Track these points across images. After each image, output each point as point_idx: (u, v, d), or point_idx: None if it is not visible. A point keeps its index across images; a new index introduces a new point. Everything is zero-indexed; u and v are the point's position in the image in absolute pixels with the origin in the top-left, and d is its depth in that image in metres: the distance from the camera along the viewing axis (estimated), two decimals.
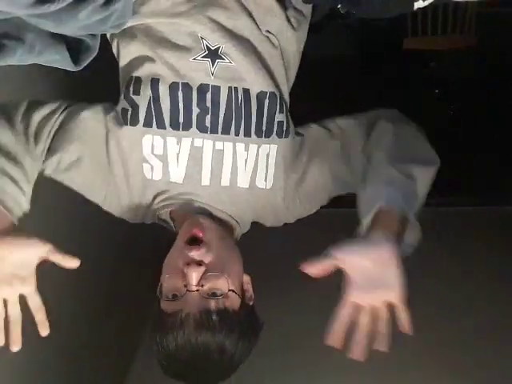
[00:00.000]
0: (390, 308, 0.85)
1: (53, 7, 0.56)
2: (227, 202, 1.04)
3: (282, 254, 2.48)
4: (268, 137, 1.01)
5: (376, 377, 1.90)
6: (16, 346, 0.88)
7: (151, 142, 0.99)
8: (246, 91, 0.99)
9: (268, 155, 1.03)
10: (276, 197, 1.06)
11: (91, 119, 0.98)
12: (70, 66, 0.70)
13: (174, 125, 0.98)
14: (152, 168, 1.00)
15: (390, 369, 1.93)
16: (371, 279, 0.85)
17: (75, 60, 0.70)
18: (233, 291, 0.94)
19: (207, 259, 0.93)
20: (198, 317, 0.90)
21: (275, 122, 1.02)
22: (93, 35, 0.70)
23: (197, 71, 0.97)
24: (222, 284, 0.93)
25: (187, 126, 0.98)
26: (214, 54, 0.97)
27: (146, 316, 2.36)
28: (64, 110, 0.99)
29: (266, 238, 2.59)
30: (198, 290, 0.91)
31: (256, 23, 1.00)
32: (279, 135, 1.02)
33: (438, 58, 3.30)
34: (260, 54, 1.01)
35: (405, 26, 2.79)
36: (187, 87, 0.97)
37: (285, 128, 1.03)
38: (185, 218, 1.02)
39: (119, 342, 1.94)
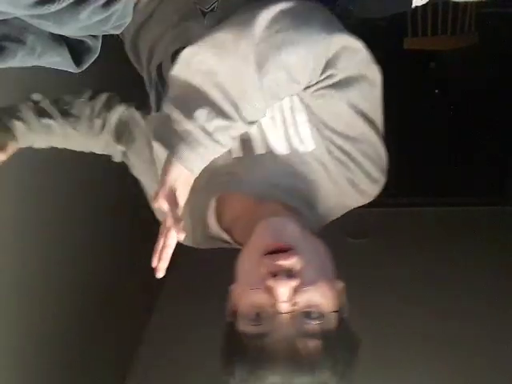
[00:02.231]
0: None
1: (53, 8, 0.56)
2: (281, 174, 0.83)
3: None
4: None
5: (376, 377, 1.90)
6: None
7: None
8: None
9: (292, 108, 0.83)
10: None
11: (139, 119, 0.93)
12: (71, 68, 0.70)
13: None
14: None
15: (390, 369, 1.94)
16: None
17: (77, 61, 0.70)
18: (337, 312, 0.73)
19: (298, 268, 0.70)
20: (293, 345, 0.67)
21: None
22: (94, 36, 0.70)
23: (192, 29, 0.86)
24: (319, 301, 0.71)
25: None
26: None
27: (147, 316, 2.37)
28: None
29: None
30: (292, 312, 0.69)
31: None
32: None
33: (438, 58, 3.30)
34: None
35: (405, 26, 2.79)
36: None
37: None
38: (239, 216, 0.81)
39: (119, 342, 1.94)
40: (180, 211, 0.77)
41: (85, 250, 1.65)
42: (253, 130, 0.83)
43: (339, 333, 0.72)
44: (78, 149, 0.98)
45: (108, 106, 0.95)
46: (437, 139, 2.98)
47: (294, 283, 0.68)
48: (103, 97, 0.95)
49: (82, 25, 0.63)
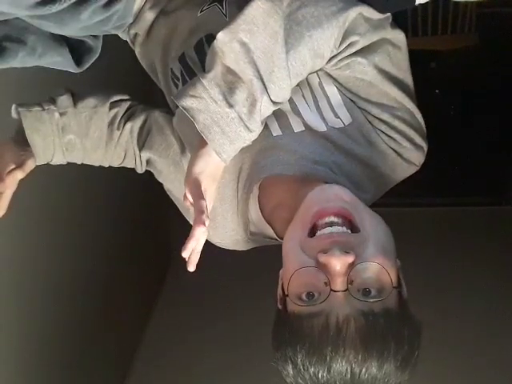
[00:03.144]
0: None
1: (54, 8, 0.56)
2: (327, 154, 0.77)
3: (278, 255, 2.49)
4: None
5: None
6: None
7: None
8: None
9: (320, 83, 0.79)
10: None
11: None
12: (72, 68, 0.70)
13: None
14: None
15: None
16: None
17: (77, 61, 0.70)
18: (399, 288, 0.66)
19: (353, 242, 0.64)
20: (359, 325, 0.60)
21: None
22: (94, 36, 0.70)
23: (210, 19, 0.84)
24: (380, 278, 0.63)
25: None
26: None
27: (147, 316, 2.37)
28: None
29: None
30: (346, 289, 0.62)
31: None
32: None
33: (438, 58, 3.30)
34: None
35: (405, 26, 2.79)
36: (210, 38, 0.81)
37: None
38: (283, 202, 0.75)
39: (119, 342, 1.94)
40: (209, 205, 0.74)
41: (85, 249, 1.65)
42: (287, 108, 0.79)
43: (402, 313, 0.65)
44: (97, 163, 0.94)
45: (129, 116, 0.91)
46: (437, 139, 2.99)
47: (350, 259, 0.62)
48: (124, 106, 0.91)
49: (83, 25, 0.63)
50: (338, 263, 0.62)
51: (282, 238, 0.76)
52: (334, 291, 0.62)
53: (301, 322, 0.64)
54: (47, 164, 0.90)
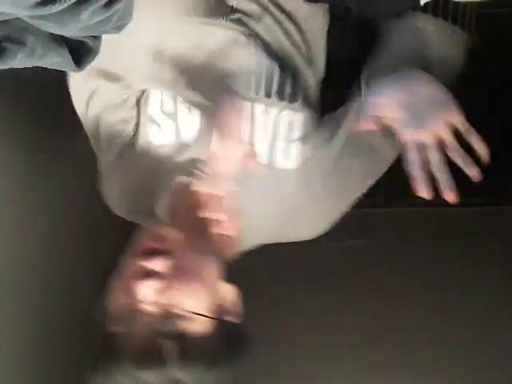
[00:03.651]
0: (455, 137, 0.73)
1: (54, 8, 0.56)
2: (241, 179, 0.86)
3: (278, 255, 2.49)
4: (292, 102, 0.87)
5: (376, 377, 1.90)
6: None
7: (160, 96, 0.87)
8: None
9: (291, 124, 0.85)
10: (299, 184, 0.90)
11: None
12: (72, 68, 0.70)
13: None
14: (159, 129, 0.88)
15: (390, 370, 1.94)
16: (421, 113, 0.75)
17: (77, 62, 0.70)
18: (198, 314, 0.73)
19: (165, 271, 0.74)
20: (147, 344, 0.68)
21: (300, 87, 0.89)
22: (94, 37, 0.70)
23: None
24: (183, 303, 0.73)
25: None
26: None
27: None
28: None
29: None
30: (150, 312, 0.70)
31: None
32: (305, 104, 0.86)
33: None
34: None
35: None
36: None
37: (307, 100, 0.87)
38: (177, 212, 0.84)
39: None
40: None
41: (85, 249, 1.65)
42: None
43: (213, 337, 0.72)
44: None
45: None
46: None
47: (157, 285, 0.70)
48: None
49: (83, 25, 0.63)
50: (144, 289, 0.69)
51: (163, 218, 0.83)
52: (140, 313, 0.69)
53: (110, 342, 0.71)
54: None
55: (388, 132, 0.85)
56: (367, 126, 0.77)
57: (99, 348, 0.72)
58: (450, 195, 0.82)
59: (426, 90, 0.79)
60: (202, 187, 0.86)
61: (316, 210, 0.93)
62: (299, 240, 0.95)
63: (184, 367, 0.70)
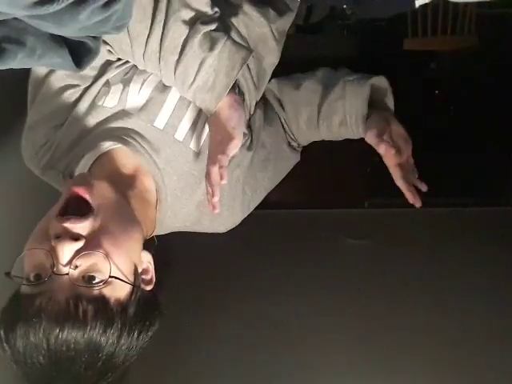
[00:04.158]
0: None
1: (52, 8, 0.56)
2: (171, 162, 0.91)
3: (278, 255, 2.49)
4: None
5: (376, 377, 1.90)
6: None
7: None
8: None
9: None
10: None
11: None
12: (71, 69, 0.70)
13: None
14: (108, 92, 0.90)
15: (390, 370, 1.94)
16: (399, 144, 1.07)
17: (77, 62, 0.70)
18: (117, 278, 0.73)
19: (86, 232, 0.72)
20: (62, 305, 0.68)
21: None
22: (94, 37, 0.70)
23: None
24: (103, 267, 0.71)
25: None
26: None
27: None
28: None
29: (259, 240, 2.60)
30: (67, 274, 0.69)
31: None
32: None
33: (438, 59, 3.30)
34: None
35: (405, 26, 2.79)
36: None
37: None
38: (103, 177, 0.83)
39: None
40: None
41: None
42: (188, 117, 0.91)
43: (128, 302, 0.74)
44: None
45: None
46: (437, 139, 2.98)
47: (76, 246, 0.69)
48: None
49: (82, 25, 0.63)
50: (62, 249, 0.68)
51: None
52: (57, 274, 0.68)
53: (18, 302, 0.69)
54: None
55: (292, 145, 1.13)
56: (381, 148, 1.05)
57: (12, 306, 0.70)
58: (422, 185, 1.20)
59: (398, 128, 1.09)
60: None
61: (232, 205, 1.02)
62: (215, 232, 1.00)
63: (100, 330, 0.70)
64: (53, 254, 0.69)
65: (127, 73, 0.92)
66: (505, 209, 3.04)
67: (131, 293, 0.76)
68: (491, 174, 3.05)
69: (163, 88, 0.92)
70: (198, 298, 2.21)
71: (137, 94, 0.90)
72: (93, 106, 0.89)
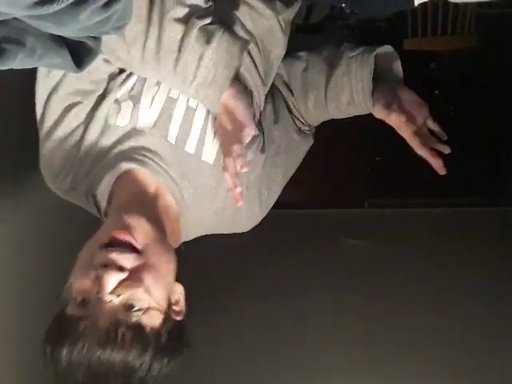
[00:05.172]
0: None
1: (52, 8, 0.56)
2: (186, 175, 0.93)
3: (278, 255, 2.49)
4: None
5: (376, 377, 1.90)
6: None
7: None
8: None
9: None
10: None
11: None
12: (72, 69, 0.70)
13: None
14: (119, 110, 0.92)
15: (390, 370, 1.94)
16: (412, 111, 1.05)
17: (77, 63, 0.70)
18: (154, 309, 0.79)
19: (130, 265, 0.78)
20: (105, 330, 0.74)
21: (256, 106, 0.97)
22: (94, 37, 0.70)
23: None
24: (143, 297, 0.78)
25: None
26: None
27: None
28: None
29: (260, 240, 2.61)
30: (111, 301, 0.75)
31: None
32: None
33: (438, 59, 3.30)
34: None
35: (405, 26, 2.79)
36: None
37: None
38: (125, 199, 0.88)
39: None
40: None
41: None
42: (195, 129, 0.93)
43: (162, 330, 0.79)
44: None
45: None
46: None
47: (120, 276, 0.75)
48: None
49: (82, 26, 0.63)
50: (108, 279, 0.74)
51: (105, 215, 0.90)
52: (101, 301, 0.74)
53: (65, 322, 0.75)
54: None
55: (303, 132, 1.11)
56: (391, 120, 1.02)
57: (58, 326, 0.77)
58: (445, 148, 1.10)
59: (407, 95, 1.07)
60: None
61: (251, 208, 1.04)
62: (235, 232, 1.03)
63: (136, 354, 0.76)
64: (99, 282, 0.75)
65: (133, 88, 0.93)
66: (505, 209, 3.04)
67: (164, 322, 0.80)
68: (491, 174, 3.05)
69: (171, 102, 0.94)
70: (197, 298, 2.20)
71: (148, 111, 0.92)
72: (106, 125, 0.91)
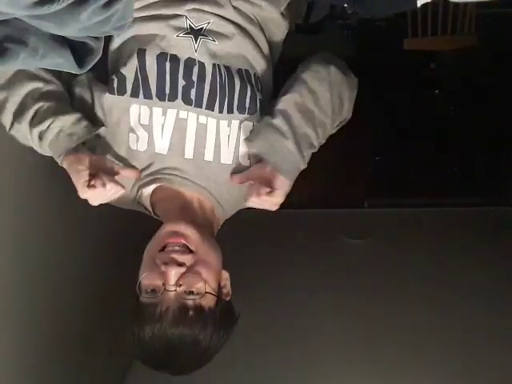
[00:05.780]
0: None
1: (52, 8, 0.56)
2: (211, 178, 1.06)
3: (278, 255, 2.50)
4: (251, 113, 1.04)
5: (375, 377, 1.90)
6: None
7: (138, 111, 1.02)
8: (228, 68, 1.03)
9: (251, 132, 1.05)
10: None
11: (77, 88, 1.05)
12: (74, 69, 0.70)
13: (160, 95, 1.01)
14: (138, 138, 1.03)
15: (390, 369, 1.94)
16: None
17: (79, 63, 0.70)
18: (209, 293, 0.98)
19: (189, 262, 0.97)
20: (176, 312, 0.95)
21: (257, 100, 1.04)
22: (96, 37, 0.70)
23: (182, 46, 1.02)
24: (200, 286, 0.97)
25: (173, 97, 1.01)
26: (196, 32, 1.03)
27: None
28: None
29: (259, 240, 2.60)
30: (175, 290, 0.96)
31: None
32: (261, 112, 1.05)
33: (438, 59, 3.30)
34: (242, 32, 1.06)
35: (405, 26, 2.79)
36: (175, 59, 1.01)
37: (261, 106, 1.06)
38: (166, 206, 1.06)
39: (119, 342, 1.94)
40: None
41: (86, 249, 1.66)
42: (210, 140, 1.04)
43: (216, 309, 0.99)
44: None
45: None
46: (437, 139, 2.99)
47: (181, 270, 0.95)
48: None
49: (83, 26, 0.63)
50: (171, 273, 0.95)
51: (156, 216, 1.10)
52: (167, 290, 0.95)
53: (145, 308, 0.96)
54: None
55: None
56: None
57: (139, 311, 0.97)
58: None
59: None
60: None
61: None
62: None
63: (200, 329, 0.95)
64: (164, 276, 0.95)
65: (139, 117, 1.03)
66: (505, 209, 3.05)
67: (217, 303, 1.00)
68: (491, 174, 3.06)
69: (181, 123, 1.03)
70: None
71: (161, 139, 1.04)
72: (129, 151, 1.04)
